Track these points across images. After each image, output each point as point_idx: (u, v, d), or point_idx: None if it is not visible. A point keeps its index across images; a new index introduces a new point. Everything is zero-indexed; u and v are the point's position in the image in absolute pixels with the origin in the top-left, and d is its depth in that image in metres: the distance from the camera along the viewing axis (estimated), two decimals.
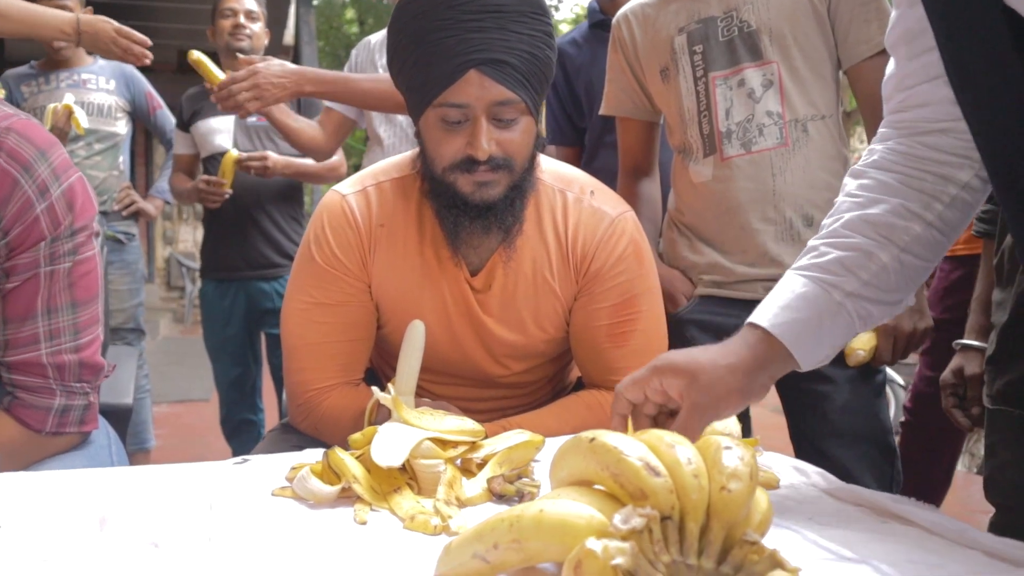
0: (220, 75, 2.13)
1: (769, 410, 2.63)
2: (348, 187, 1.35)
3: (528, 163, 1.26)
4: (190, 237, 9.77)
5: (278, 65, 1.86)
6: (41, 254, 1.09)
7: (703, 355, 0.93)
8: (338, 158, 2.84)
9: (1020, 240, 0.82)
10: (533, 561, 0.60)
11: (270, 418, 3.25)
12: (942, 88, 0.86)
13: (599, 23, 2.17)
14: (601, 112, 1.83)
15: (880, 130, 0.97)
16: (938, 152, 0.89)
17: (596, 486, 0.64)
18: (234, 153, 2.75)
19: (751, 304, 1.54)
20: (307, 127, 2.30)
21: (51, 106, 2.82)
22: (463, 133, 1.20)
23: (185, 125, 2.97)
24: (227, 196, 2.77)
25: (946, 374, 1.48)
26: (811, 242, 0.95)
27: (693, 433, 0.91)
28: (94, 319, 1.16)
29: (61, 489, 0.92)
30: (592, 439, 0.62)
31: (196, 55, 2.18)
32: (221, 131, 2.87)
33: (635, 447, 0.59)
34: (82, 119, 2.81)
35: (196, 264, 9.20)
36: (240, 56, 1.96)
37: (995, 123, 0.77)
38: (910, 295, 0.95)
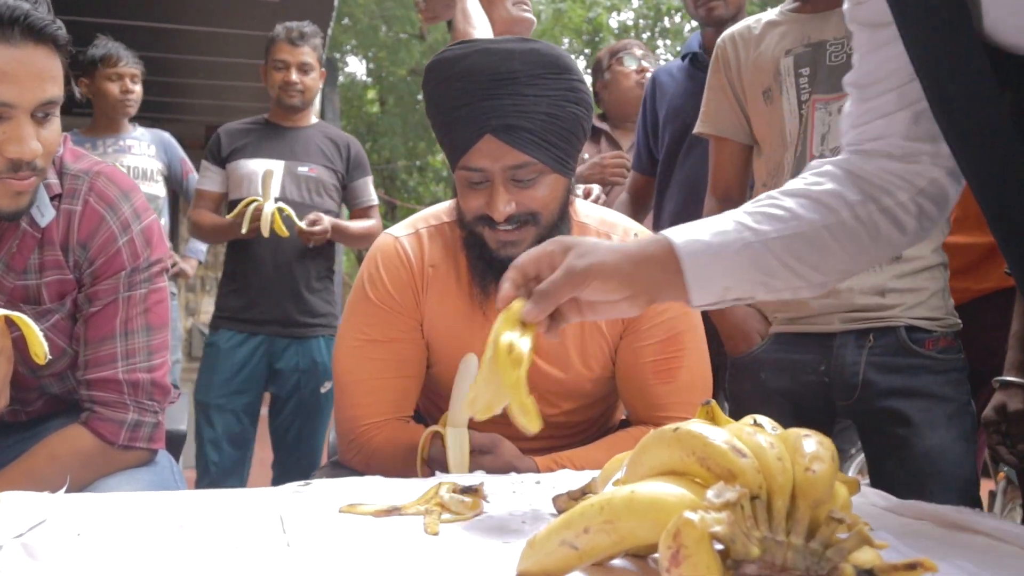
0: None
1: None
2: (401, 230, 1.41)
3: (558, 214, 1.29)
4: (211, 308, 9.84)
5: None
6: (121, 282, 1.21)
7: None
8: (376, 222, 2.88)
9: (1017, 269, 0.84)
10: (625, 543, 0.62)
11: None
12: (895, 124, 0.91)
13: (694, 57, 2.24)
14: (696, 131, 1.79)
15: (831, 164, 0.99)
16: (882, 172, 0.93)
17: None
18: (275, 208, 2.56)
19: (827, 338, 1.54)
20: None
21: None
22: (484, 192, 1.25)
23: (222, 160, 2.74)
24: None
25: (988, 411, 1.48)
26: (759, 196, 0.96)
27: (555, 295, 0.88)
28: (165, 344, 1.26)
29: (138, 505, 0.95)
30: (676, 429, 0.64)
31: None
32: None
33: (719, 433, 0.62)
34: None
35: None
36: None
37: (983, 162, 0.79)
38: (820, 279, 0.93)
